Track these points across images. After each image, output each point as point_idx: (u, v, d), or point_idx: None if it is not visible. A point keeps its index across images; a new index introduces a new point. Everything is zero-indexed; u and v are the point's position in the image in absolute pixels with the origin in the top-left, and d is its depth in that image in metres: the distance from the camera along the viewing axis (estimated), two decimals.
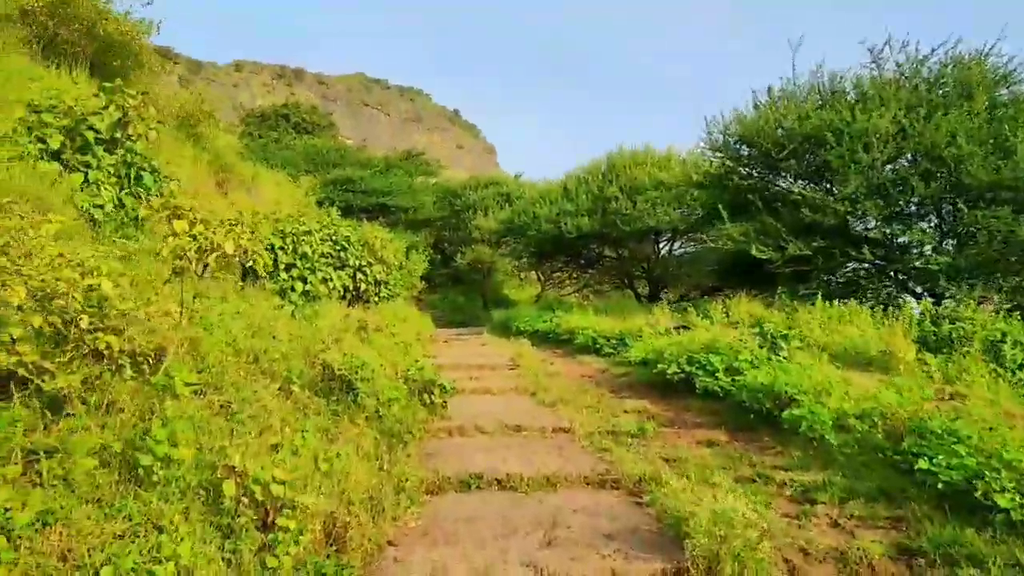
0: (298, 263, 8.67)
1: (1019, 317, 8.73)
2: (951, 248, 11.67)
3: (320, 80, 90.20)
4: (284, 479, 3.60)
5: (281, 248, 8.64)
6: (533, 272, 29.52)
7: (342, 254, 11.50)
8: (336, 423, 5.59)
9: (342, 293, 11.55)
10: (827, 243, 12.89)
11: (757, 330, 7.59)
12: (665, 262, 20.91)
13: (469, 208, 31.48)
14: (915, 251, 12.51)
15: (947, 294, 12.45)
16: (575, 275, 26.18)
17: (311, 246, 8.84)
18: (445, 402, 7.12)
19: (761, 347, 7.29)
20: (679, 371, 7.62)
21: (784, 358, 7.06)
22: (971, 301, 9.09)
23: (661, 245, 21.06)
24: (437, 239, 33.61)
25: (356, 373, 6.00)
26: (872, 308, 10.87)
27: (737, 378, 6.93)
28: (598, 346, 12.22)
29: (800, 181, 13.97)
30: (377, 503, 4.49)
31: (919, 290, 13.45)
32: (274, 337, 6.66)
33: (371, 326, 9.98)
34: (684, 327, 10.52)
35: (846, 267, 14.27)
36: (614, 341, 11.88)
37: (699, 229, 19.02)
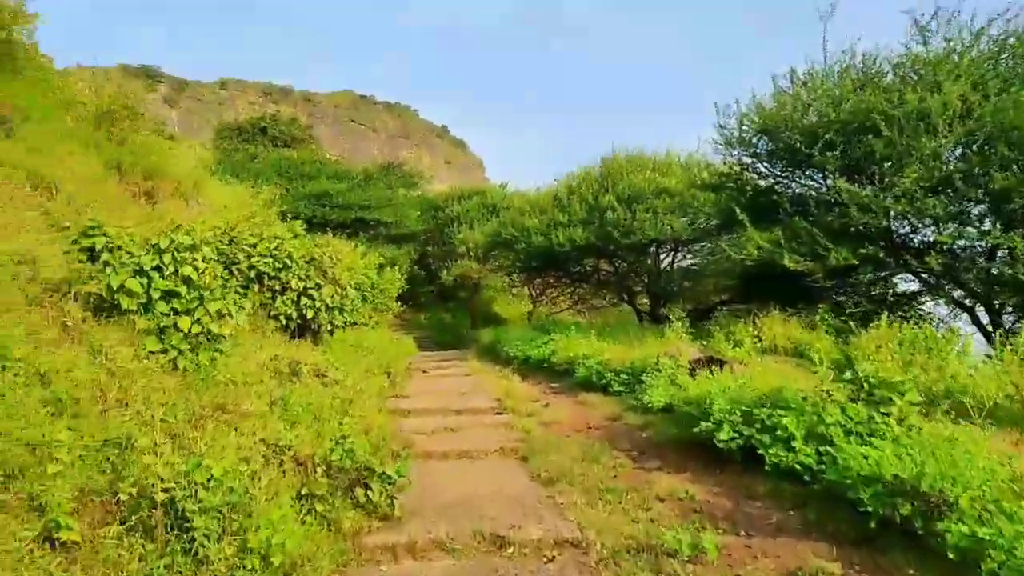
0: (181, 290, 6.03)
1: None
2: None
3: (307, 97, 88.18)
4: None
5: (156, 269, 6.00)
6: (525, 287, 27.40)
7: (282, 274, 9.19)
8: None
9: (284, 324, 9.23)
10: (875, 250, 10.76)
11: (848, 374, 5.31)
12: (668, 275, 18.73)
13: (453, 221, 29.32)
14: (980, 259, 10.37)
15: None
16: (569, 290, 24.04)
17: (197, 264, 6.18)
18: (392, 499, 4.82)
19: (853, 400, 5.08)
20: (735, 435, 5.37)
21: (890, 416, 4.85)
22: None
23: (663, 257, 18.89)
24: (422, 254, 31.48)
25: (193, 496, 3.55)
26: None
27: (826, 450, 4.71)
28: (605, 381, 10.01)
29: (831, 178, 11.83)
30: None
31: (968, 303, 11.35)
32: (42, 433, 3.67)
33: (307, 370, 7.64)
34: (716, 360, 8.30)
35: (892, 280, 12.13)
36: (624, 376, 9.65)
37: (708, 238, 16.95)
